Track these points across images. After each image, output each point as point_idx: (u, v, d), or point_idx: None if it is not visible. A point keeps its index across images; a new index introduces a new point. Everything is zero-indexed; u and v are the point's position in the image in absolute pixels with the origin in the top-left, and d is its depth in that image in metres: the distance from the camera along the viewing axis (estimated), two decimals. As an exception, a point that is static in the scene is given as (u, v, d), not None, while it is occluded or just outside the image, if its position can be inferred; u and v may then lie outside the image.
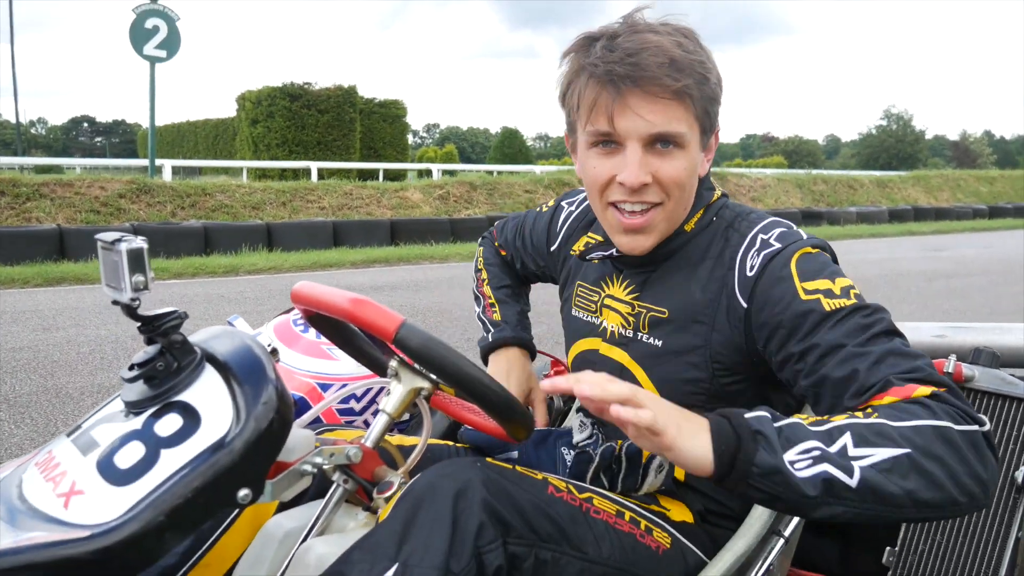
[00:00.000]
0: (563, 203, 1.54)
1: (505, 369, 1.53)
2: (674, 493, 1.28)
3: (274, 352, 1.12)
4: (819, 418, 0.98)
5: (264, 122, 46.64)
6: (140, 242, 1.02)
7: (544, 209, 1.57)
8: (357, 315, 1.11)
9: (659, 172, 1.19)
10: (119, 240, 1.01)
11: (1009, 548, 1.39)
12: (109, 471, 0.98)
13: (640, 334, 1.27)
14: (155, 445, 0.98)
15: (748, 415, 0.96)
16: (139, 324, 1.05)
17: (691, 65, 1.15)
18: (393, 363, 1.21)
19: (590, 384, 0.94)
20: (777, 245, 1.17)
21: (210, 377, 1.05)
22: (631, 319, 1.28)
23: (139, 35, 13.76)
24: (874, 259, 10.39)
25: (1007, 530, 1.40)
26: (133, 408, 1.03)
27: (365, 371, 1.51)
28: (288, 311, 1.86)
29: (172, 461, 0.96)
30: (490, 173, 15.41)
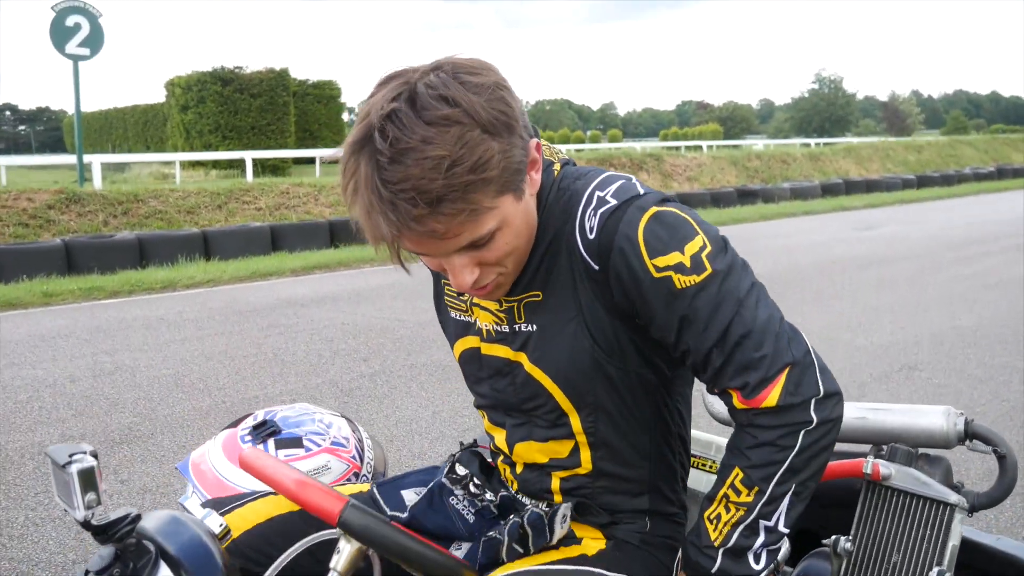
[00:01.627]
0: None
1: None
2: (576, 519, 1.33)
3: (225, 535, 1.16)
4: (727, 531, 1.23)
5: (195, 108, 45.59)
6: (90, 459, 1.05)
7: None
8: (301, 498, 1.16)
9: (485, 259, 1.14)
10: (70, 463, 1.03)
11: (925, 642, 1.50)
12: None
13: (516, 324, 1.26)
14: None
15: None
16: (94, 534, 1.07)
17: (461, 187, 1.03)
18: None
19: None
20: (613, 202, 1.15)
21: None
22: (502, 315, 1.27)
23: (60, 33, 13.37)
24: (807, 243, 10.64)
25: (924, 626, 1.51)
26: (90, 612, 1.07)
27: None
28: (236, 424, 1.88)
29: None
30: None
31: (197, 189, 11.78)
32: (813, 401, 1.18)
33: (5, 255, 8.48)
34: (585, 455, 1.30)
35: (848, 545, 1.62)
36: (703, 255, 1.14)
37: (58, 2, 13.24)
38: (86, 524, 1.06)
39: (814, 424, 1.18)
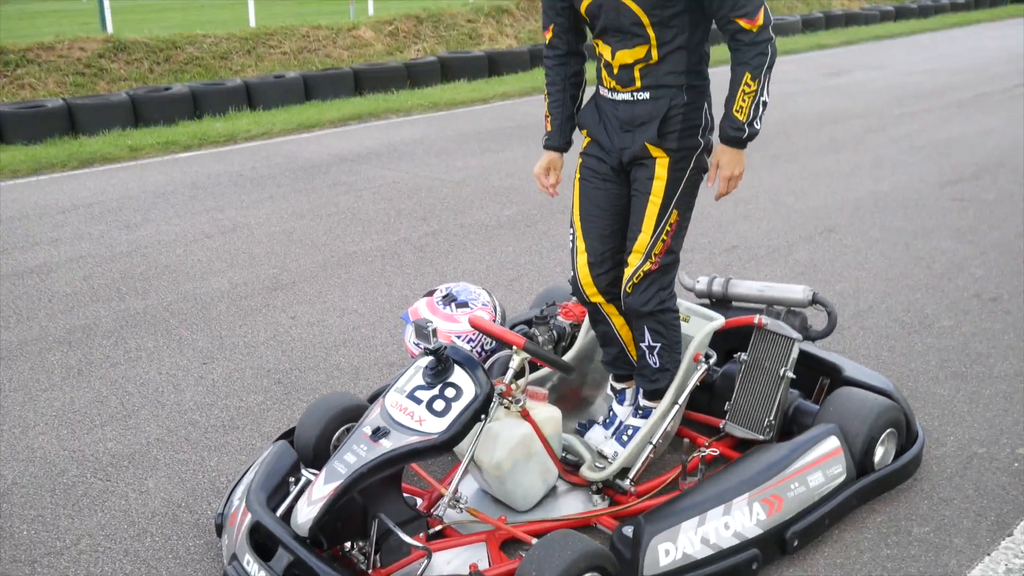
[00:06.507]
0: None
1: (545, 165, 3.03)
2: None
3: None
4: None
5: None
6: (432, 325, 2.62)
7: None
8: (506, 338, 2.79)
9: None
10: (427, 328, 2.61)
11: (776, 399, 3.18)
12: (432, 411, 2.64)
13: None
14: (447, 400, 2.65)
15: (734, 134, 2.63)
16: (429, 353, 2.67)
17: None
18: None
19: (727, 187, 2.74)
20: None
21: (458, 370, 2.70)
22: None
23: None
24: (778, 94, 11.95)
25: (775, 391, 3.19)
26: (431, 383, 2.68)
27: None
28: (431, 294, 3.48)
29: (456, 407, 2.63)
30: None
31: (227, 35, 12.83)
32: (769, 27, 2.50)
33: (84, 110, 9.76)
34: (655, 52, 2.59)
35: (745, 357, 3.30)
36: None
37: None
38: (432, 351, 2.66)
39: (771, 39, 2.50)
